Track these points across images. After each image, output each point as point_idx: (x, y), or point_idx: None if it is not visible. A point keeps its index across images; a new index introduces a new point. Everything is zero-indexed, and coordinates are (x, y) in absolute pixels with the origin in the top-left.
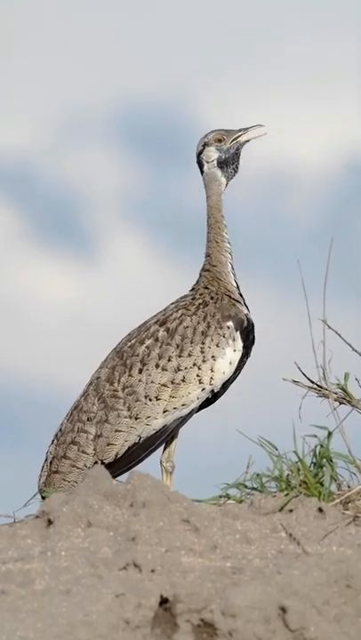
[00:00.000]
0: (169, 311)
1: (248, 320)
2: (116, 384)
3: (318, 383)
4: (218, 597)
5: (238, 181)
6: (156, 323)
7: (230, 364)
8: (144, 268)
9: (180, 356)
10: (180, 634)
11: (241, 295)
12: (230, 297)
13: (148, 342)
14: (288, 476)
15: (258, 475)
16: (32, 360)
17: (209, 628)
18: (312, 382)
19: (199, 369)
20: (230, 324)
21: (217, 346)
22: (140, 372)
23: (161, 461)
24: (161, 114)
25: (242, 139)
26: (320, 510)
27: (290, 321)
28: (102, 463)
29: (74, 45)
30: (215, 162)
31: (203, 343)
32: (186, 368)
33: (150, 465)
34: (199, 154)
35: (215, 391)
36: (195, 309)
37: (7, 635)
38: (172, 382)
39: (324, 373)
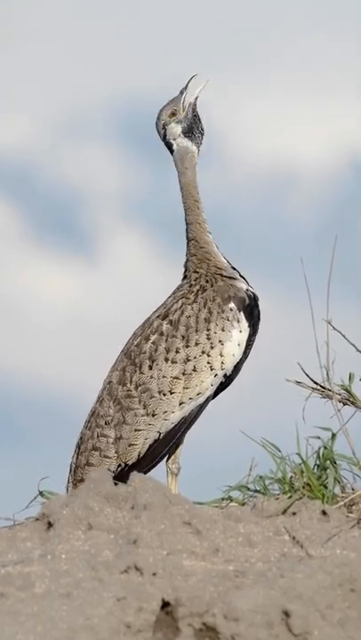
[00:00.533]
0: (169, 303)
1: (249, 296)
2: (128, 384)
3: (322, 384)
4: (220, 601)
5: (238, 180)
6: (158, 317)
7: (239, 345)
8: (144, 268)
9: (187, 347)
10: (182, 638)
11: (235, 269)
12: (222, 275)
13: (153, 338)
14: (291, 478)
15: (261, 477)
16: (32, 360)
17: (211, 632)
18: (316, 383)
19: (209, 356)
20: (232, 305)
21: (222, 330)
22: (151, 368)
23: (167, 463)
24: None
25: (191, 99)
26: (324, 513)
27: (293, 321)
28: (126, 465)
29: (74, 45)
30: (181, 134)
31: (208, 330)
32: (195, 357)
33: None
34: (164, 137)
35: (228, 374)
36: (194, 297)
37: (7, 639)
38: (184, 373)
39: (327, 374)
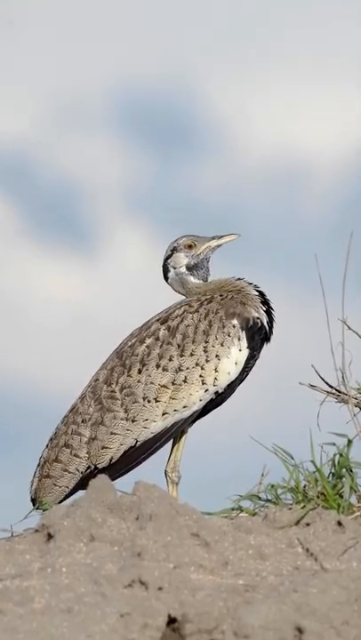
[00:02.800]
0: (172, 308)
1: (255, 321)
2: (113, 385)
3: (337, 387)
4: (229, 617)
5: (246, 173)
6: (158, 321)
7: (236, 364)
8: (148, 265)
9: (181, 356)
10: None
11: (267, 303)
12: (237, 294)
13: (148, 341)
14: (305, 487)
15: (272, 485)
16: (31, 362)
17: None
18: (330, 387)
19: (202, 369)
20: (235, 322)
21: (221, 345)
22: (140, 372)
23: (166, 471)
24: (163, 100)
25: (212, 243)
26: (339, 524)
27: (306, 321)
28: (96, 468)
29: (72, 31)
30: (184, 267)
31: (206, 342)
32: (188, 368)
33: (155, 475)
34: (167, 258)
35: (220, 392)
36: (198, 306)
37: None
38: (173, 383)
39: (343, 377)
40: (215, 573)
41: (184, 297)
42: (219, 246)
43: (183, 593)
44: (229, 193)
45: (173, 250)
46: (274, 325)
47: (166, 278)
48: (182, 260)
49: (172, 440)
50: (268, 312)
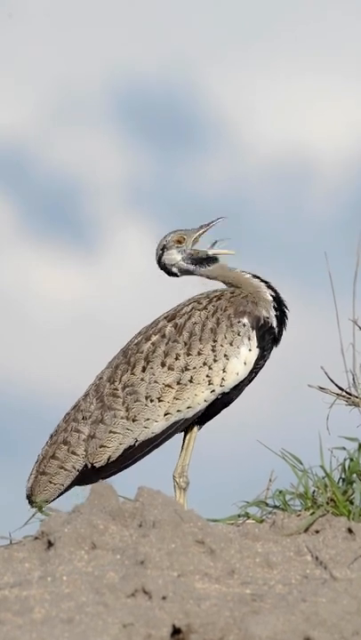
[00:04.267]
0: (181, 305)
1: (265, 321)
2: (116, 382)
3: (347, 390)
4: (236, 627)
5: (252, 170)
6: (165, 318)
7: (245, 364)
8: (150, 262)
9: (188, 355)
10: None
11: (281, 305)
12: (250, 295)
13: (154, 339)
14: (314, 492)
15: (280, 491)
16: (31, 362)
17: None
18: (341, 389)
19: (210, 369)
20: (245, 320)
21: (231, 344)
22: (144, 370)
23: (174, 476)
24: (165, 94)
25: (209, 252)
26: (350, 531)
27: (316, 321)
28: (93, 467)
29: (68, 21)
30: (181, 261)
31: (215, 341)
32: (195, 368)
33: (161, 480)
34: (160, 258)
35: (226, 392)
36: (206, 303)
37: None
38: (178, 383)
39: (353, 379)
40: (221, 582)
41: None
42: (205, 232)
43: (188, 602)
44: (234, 190)
45: (163, 248)
46: (285, 329)
47: (173, 274)
48: (176, 255)
49: (180, 444)
50: (282, 314)
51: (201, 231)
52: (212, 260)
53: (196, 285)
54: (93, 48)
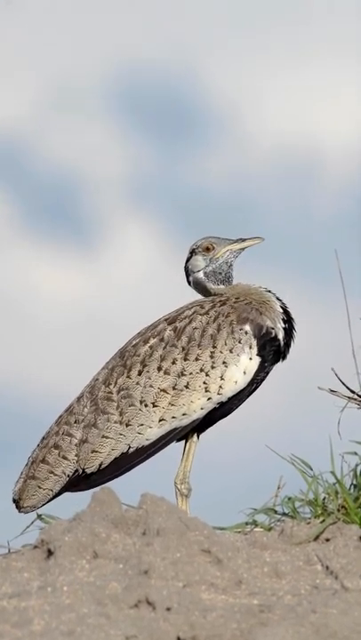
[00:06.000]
0: (183, 308)
1: (269, 331)
2: (111, 386)
3: (359, 393)
4: (243, 639)
5: (258, 163)
6: (165, 320)
7: (245, 373)
8: (152, 260)
9: (185, 360)
10: None
11: (289, 319)
12: (253, 300)
13: (152, 342)
14: (324, 499)
15: (290, 498)
16: (30, 363)
17: None
18: (352, 392)
19: (207, 375)
20: (248, 328)
21: (230, 351)
22: (140, 373)
23: (175, 483)
24: (166, 85)
25: (234, 247)
26: None
27: (326, 321)
28: (84, 472)
29: (66, 9)
30: (201, 272)
31: (214, 347)
32: (191, 373)
33: (162, 486)
34: (186, 261)
35: (223, 402)
36: (209, 308)
37: None
38: (174, 388)
39: None
40: (228, 593)
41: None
42: (242, 250)
43: (193, 614)
44: (238, 184)
45: (192, 252)
46: (292, 345)
47: (189, 282)
48: (200, 263)
49: (182, 449)
50: (290, 330)
51: (234, 247)
52: (228, 279)
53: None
54: (92, 38)
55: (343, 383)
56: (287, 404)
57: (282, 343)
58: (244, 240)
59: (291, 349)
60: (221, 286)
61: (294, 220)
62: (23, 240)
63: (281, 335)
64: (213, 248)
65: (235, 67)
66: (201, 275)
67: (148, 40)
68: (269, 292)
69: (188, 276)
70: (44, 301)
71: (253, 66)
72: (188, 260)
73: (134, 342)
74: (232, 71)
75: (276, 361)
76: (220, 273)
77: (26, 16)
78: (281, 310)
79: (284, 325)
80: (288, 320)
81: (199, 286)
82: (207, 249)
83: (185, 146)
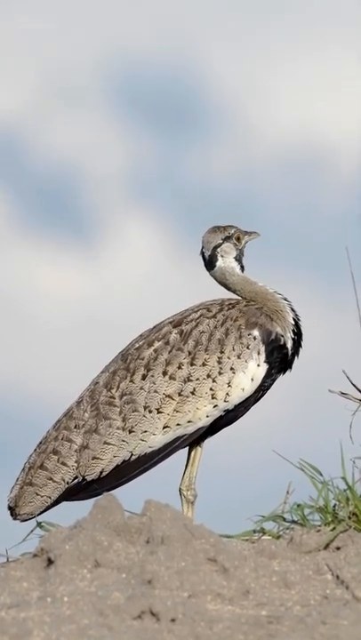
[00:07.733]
0: (189, 310)
1: (278, 337)
2: (114, 390)
3: None
4: None
5: (263, 159)
6: (170, 323)
7: (252, 380)
8: (153, 259)
9: (192, 365)
10: None
11: (298, 331)
12: (264, 305)
13: (156, 345)
14: (335, 506)
15: (299, 505)
16: (30, 363)
17: None
18: None
19: (214, 381)
20: (256, 333)
21: (238, 357)
22: (144, 378)
23: (180, 489)
24: (166, 76)
25: (250, 238)
26: None
27: (336, 321)
28: (84, 479)
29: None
30: (233, 258)
31: (222, 352)
32: (198, 379)
33: (167, 493)
34: (216, 246)
35: (230, 409)
36: (216, 311)
37: None
38: (180, 394)
39: None
40: (235, 603)
41: (205, 300)
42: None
43: (199, 625)
44: (242, 179)
45: (226, 239)
46: (297, 356)
47: (212, 267)
48: (232, 250)
49: (187, 454)
50: (297, 344)
51: (250, 239)
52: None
53: (196, 285)
54: (92, 31)
55: (355, 386)
56: (296, 407)
57: (290, 352)
58: (250, 233)
59: (295, 362)
60: (246, 276)
61: (300, 216)
62: (23, 240)
63: (290, 344)
64: (241, 239)
65: (238, 59)
66: (234, 263)
67: (150, 33)
68: (285, 299)
69: (212, 261)
70: (44, 301)
71: (258, 57)
72: (218, 246)
73: (137, 345)
74: (235, 64)
75: (283, 370)
76: (242, 264)
77: (25, 9)
78: (293, 322)
79: (293, 336)
80: (298, 333)
81: (225, 273)
82: (238, 239)
83: (187, 141)
